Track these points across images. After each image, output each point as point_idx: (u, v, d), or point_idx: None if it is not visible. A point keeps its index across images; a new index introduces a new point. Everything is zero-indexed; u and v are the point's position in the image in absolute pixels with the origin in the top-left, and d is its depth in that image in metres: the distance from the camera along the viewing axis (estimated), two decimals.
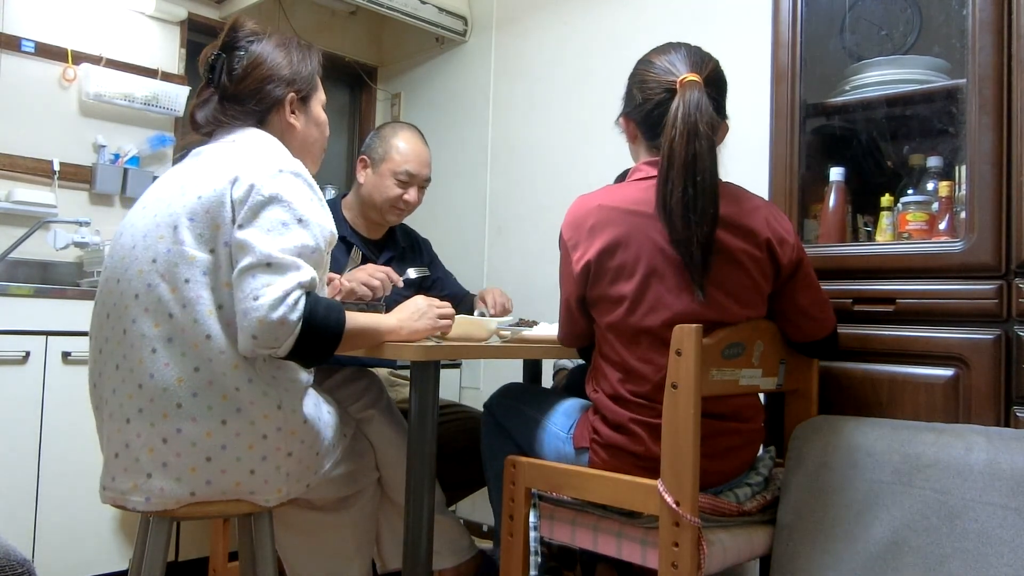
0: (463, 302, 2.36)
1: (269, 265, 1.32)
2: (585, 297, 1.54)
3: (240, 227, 1.36)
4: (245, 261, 1.33)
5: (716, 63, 1.54)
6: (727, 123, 1.57)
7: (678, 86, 1.46)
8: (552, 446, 1.64)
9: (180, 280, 1.35)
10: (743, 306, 1.48)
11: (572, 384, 2.00)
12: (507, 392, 1.89)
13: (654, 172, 1.49)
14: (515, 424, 1.78)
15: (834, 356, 1.69)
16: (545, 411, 1.70)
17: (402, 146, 2.18)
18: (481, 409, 1.96)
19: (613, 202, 1.51)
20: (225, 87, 1.52)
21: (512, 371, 2.51)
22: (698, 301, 1.44)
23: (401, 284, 1.94)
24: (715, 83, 1.51)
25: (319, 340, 1.36)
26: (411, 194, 2.19)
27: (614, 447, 1.50)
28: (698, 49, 1.55)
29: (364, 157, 2.22)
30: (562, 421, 1.64)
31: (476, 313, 2.20)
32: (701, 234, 1.40)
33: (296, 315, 1.31)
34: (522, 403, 1.79)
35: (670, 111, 1.44)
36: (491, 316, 2.18)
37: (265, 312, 1.29)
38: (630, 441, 1.47)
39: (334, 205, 2.26)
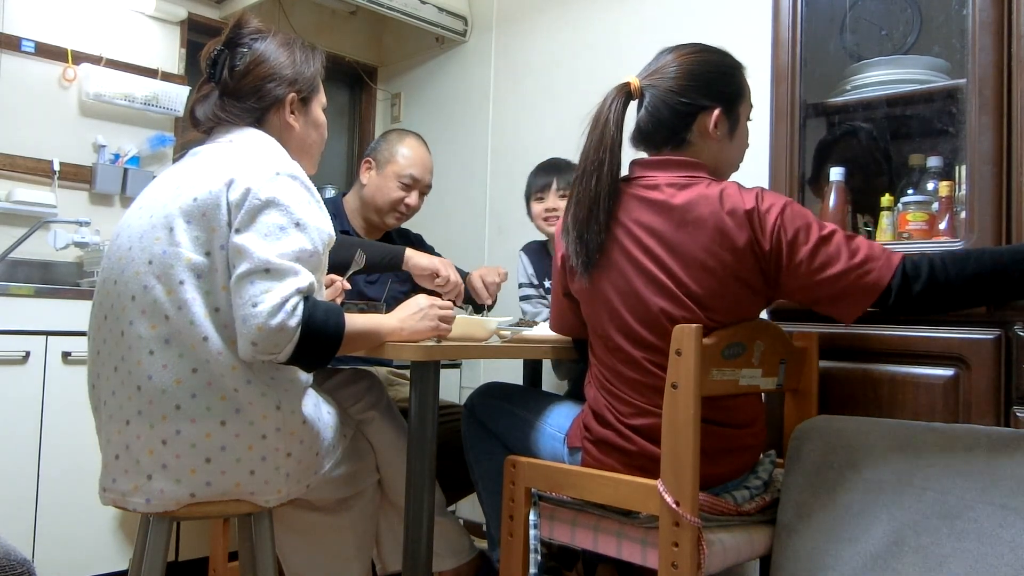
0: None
1: (267, 271, 1.32)
2: (569, 290, 1.62)
3: (237, 231, 1.35)
4: (243, 267, 1.33)
5: (670, 61, 1.53)
6: (712, 112, 1.52)
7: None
8: (549, 447, 1.64)
9: (175, 282, 1.35)
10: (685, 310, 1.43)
11: (576, 384, 2.00)
12: (490, 392, 1.86)
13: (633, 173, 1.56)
14: (504, 425, 1.77)
15: (921, 305, 1.38)
16: (539, 412, 1.69)
17: (407, 151, 2.24)
18: None
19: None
20: (226, 83, 1.52)
21: (512, 371, 2.51)
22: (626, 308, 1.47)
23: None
24: (653, 87, 1.52)
25: (319, 345, 1.36)
26: (412, 198, 2.25)
27: (604, 443, 1.50)
28: (673, 47, 1.56)
29: (369, 159, 2.27)
30: (559, 422, 1.64)
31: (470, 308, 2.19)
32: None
33: (295, 321, 1.31)
34: (510, 403, 1.77)
35: None
36: (487, 306, 2.20)
37: (264, 319, 1.29)
38: (618, 437, 1.48)
39: (337, 202, 2.29)
